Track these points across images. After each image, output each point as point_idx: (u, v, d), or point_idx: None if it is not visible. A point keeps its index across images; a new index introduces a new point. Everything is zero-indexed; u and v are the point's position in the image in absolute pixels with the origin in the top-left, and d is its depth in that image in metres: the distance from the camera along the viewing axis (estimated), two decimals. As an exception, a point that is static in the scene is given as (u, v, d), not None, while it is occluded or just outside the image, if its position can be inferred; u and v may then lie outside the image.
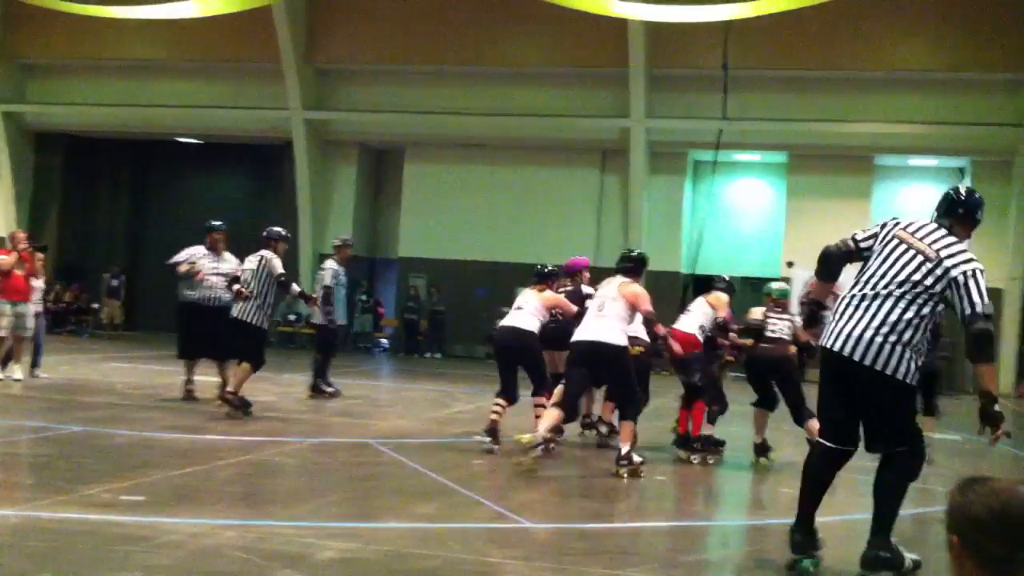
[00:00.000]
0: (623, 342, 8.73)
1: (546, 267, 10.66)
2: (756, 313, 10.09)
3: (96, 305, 25.32)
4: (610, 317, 8.72)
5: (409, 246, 24.64)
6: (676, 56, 22.30)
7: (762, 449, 9.93)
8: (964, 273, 5.46)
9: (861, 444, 5.91)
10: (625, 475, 8.53)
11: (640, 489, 8.65)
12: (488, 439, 9.64)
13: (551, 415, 8.92)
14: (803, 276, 22.83)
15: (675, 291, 23.63)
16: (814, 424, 7.56)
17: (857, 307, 5.60)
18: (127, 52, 24.63)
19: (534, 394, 10.05)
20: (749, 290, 20.43)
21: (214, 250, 12.50)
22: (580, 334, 8.85)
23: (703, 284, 11.81)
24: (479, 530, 6.56)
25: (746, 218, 24.55)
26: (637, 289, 8.90)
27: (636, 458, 8.68)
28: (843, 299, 5.73)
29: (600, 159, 24.10)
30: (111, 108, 25.25)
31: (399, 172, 25.19)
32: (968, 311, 5.38)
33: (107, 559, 5.36)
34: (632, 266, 9.22)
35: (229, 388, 11.13)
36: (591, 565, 5.83)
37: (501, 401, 9.83)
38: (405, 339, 23.86)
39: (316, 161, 24.51)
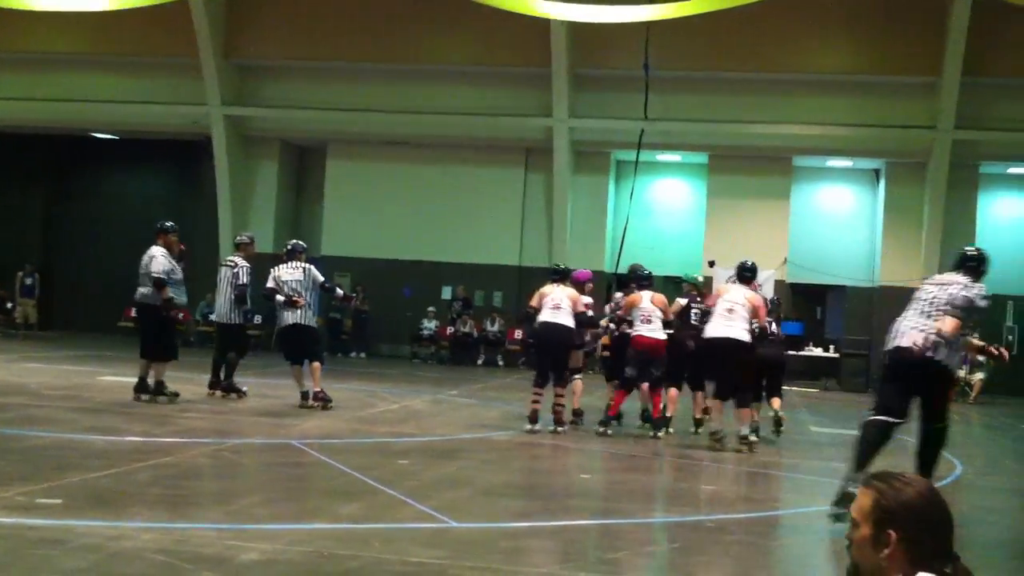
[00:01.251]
0: (749, 339, 10.61)
1: (559, 265, 12.58)
2: (679, 304, 12.05)
3: (10, 304, 24.68)
4: (739, 318, 10.56)
5: (333, 244, 24.46)
6: (599, 56, 22.46)
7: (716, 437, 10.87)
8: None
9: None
10: (746, 450, 10.58)
11: (566, 487, 8.70)
12: (531, 425, 11.33)
13: (717, 406, 10.77)
14: (723, 275, 23.19)
15: (599, 289, 23.83)
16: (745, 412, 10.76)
17: None
18: (40, 45, 24.04)
19: (540, 385, 11.49)
20: (672, 288, 20.65)
21: (170, 250, 12.30)
22: (713, 331, 10.64)
23: (625, 280, 13.08)
24: (404, 530, 6.53)
25: (668, 217, 24.83)
26: (759, 300, 10.91)
27: (753, 437, 10.89)
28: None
29: (524, 158, 24.18)
30: (23, 102, 24.62)
31: (322, 169, 25.00)
32: None
33: (22, 562, 5.24)
34: (751, 276, 11.18)
35: (316, 388, 12.27)
36: (517, 564, 5.84)
37: (539, 390, 11.44)
38: (329, 338, 23.65)
39: (237, 157, 24.21)
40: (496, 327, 23.27)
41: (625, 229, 21.41)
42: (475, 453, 10.12)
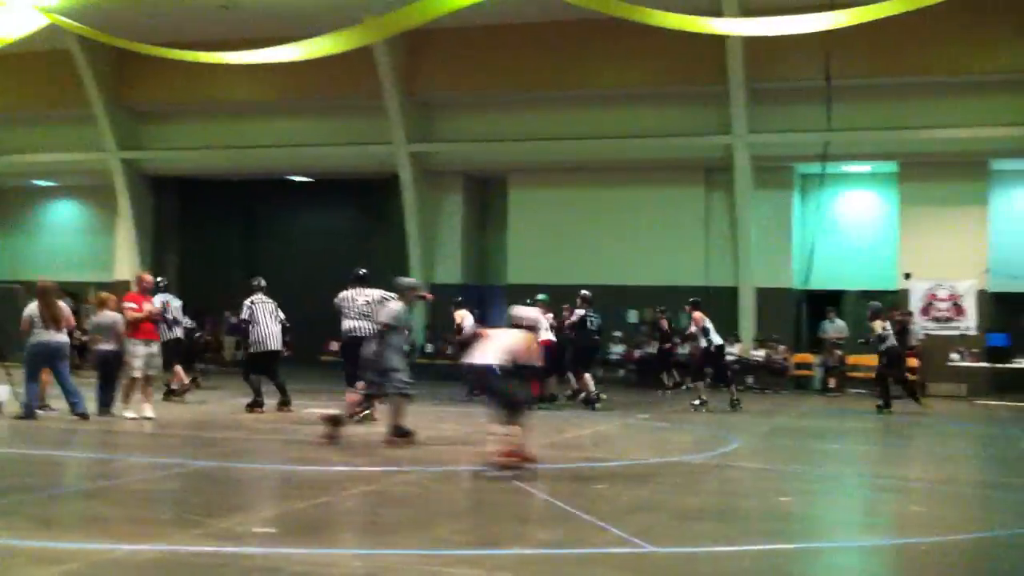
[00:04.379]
0: None
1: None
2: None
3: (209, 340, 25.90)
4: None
5: (518, 273, 24.74)
6: (776, 69, 22.06)
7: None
8: None
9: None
10: None
11: (765, 511, 8.55)
12: None
13: None
14: (921, 288, 22.34)
15: (787, 308, 23.34)
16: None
17: None
18: (235, 95, 25.36)
19: None
20: (862, 306, 20.03)
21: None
22: None
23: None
24: (602, 555, 6.56)
25: (858, 230, 24.08)
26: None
27: None
28: None
29: (704, 177, 23.94)
30: (222, 150, 26.04)
31: (504, 199, 25.39)
32: None
33: (244, 591, 5.52)
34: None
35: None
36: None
37: None
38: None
39: (422, 193, 24.87)
40: (687, 349, 22.97)
41: (813, 244, 20.90)
42: (669, 477, 10.06)
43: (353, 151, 25.12)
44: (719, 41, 21.00)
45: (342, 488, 8.71)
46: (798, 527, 8.01)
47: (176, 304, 16.92)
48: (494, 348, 9.60)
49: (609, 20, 20.38)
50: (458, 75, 24.23)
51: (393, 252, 25.32)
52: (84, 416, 13.13)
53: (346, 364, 13.96)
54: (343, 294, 14.32)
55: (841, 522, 8.55)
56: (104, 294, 14.67)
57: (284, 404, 15.02)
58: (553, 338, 16.48)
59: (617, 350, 23.54)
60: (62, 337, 13.39)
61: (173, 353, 16.28)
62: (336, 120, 25.42)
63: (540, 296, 17.24)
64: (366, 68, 23.26)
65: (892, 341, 17.44)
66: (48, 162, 27.27)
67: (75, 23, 19.72)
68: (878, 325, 17.32)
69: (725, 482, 10.06)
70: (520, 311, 9.99)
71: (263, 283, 15.39)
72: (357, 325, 13.83)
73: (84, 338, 19.68)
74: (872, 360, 18.58)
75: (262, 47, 18.77)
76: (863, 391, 20.93)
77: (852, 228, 24.11)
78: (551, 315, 17.26)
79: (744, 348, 22.57)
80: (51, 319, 13.20)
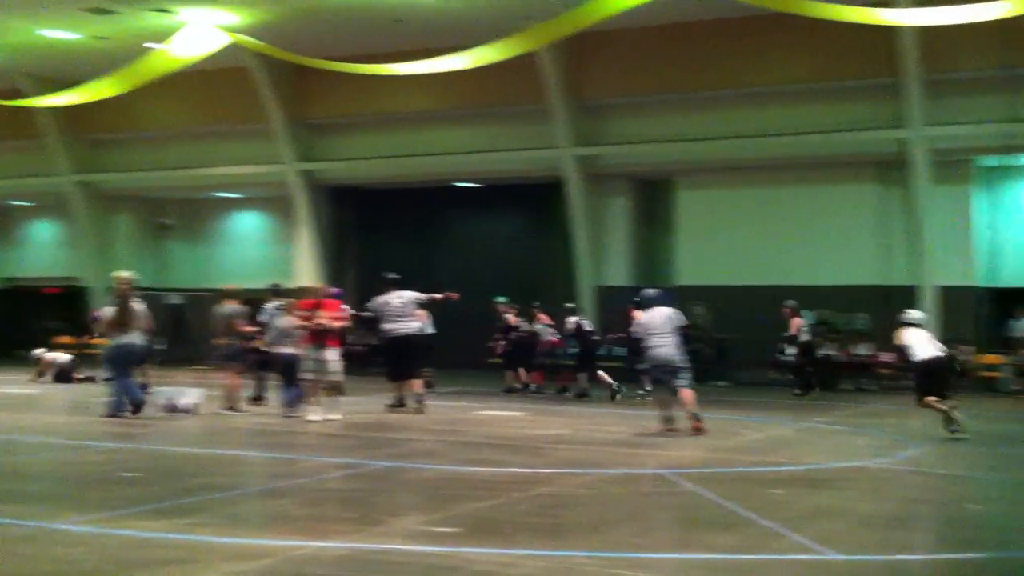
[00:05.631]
0: None
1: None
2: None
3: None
4: None
5: (687, 274, 24.51)
6: (951, 59, 21.13)
7: None
8: None
9: None
10: None
11: (955, 518, 8.25)
12: None
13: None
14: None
15: (970, 306, 22.37)
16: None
17: None
18: (407, 106, 25.97)
19: None
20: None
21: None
22: None
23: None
24: (782, 562, 6.47)
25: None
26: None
27: None
28: None
29: (876, 172, 23.18)
30: (394, 159, 26.67)
31: (671, 200, 25.18)
32: None
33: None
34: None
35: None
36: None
37: None
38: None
39: (588, 196, 24.91)
40: (863, 350, 22.31)
41: (998, 240, 19.97)
42: (849, 482, 9.82)
43: (519, 156, 25.37)
44: (889, 32, 20.31)
45: (519, 489, 8.84)
46: (992, 536, 7.67)
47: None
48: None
49: (774, 15, 19.98)
50: (622, 77, 24.16)
51: (560, 256, 25.47)
52: (113, 416, 13.90)
53: (388, 362, 15.75)
54: (380, 299, 15.58)
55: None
56: (288, 301, 15.28)
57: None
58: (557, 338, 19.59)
59: (790, 352, 22.98)
60: (137, 340, 14.16)
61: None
62: (503, 126, 25.73)
63: (499, 297, 20.21)
64: (531, 74, 23.46)
65: None
66: (231, 175, 28.51)
67: (255, 41, 20.61)
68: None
69: (909, 488, 9.74)
70: None
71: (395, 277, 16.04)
72: (395, 326, 15.30)
73: (266, 342, 20.50)
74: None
75: (432, 58, 19.22)
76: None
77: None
78: (510, 315, 20.31)
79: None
80: (123, 324, 14.02)
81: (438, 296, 16.30)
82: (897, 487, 9.74)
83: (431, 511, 7.76)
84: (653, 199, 26.27)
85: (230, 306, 15.55)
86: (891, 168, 22.74)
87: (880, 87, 21.98)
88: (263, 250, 30.22)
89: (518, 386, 19.68)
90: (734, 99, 23.57)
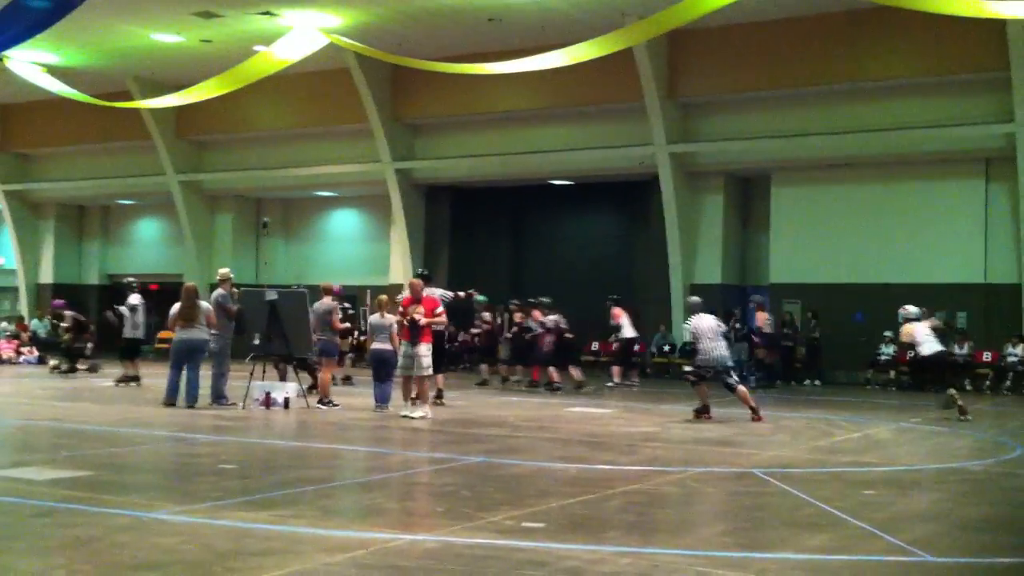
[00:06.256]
0: None
1: None
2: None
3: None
4: None
5: (781, 272, 24.21)
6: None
7: None
8: None
9: None
10: None
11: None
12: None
13: None
14: None
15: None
16: None
17: None
18: (501, 105, 26.10)
19: None
20: None
21: None
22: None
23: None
24: (876, 563, 6.37)
25: None
26: None
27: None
28: None
29: (984, 168, 22.55)
30: (489, 158, 26.84)
31: (766, 198, 24.87)
32: None
33: (516, 582, 5.73)
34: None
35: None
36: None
37: None
38: (781, 367, 23.44)
39: (682, 193, 24.73)
40: (965, 350, 21.76)
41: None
42: (947, 484, 9.61)
43: (613, 153, 25.31)
44: (998, 25, 19.76)
45: (609, 486, 8.86)
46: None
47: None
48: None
49: (876, 9, 19.62)
50: (719, 74, 23.93)
51: (653, 253, 25.34)
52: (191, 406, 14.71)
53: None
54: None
55: None
56: (383, 297, 15.49)
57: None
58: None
59: (888, 351, 22.56)
60: (199, 334, 14.85)
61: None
62: (597, 123, 25.70)
63: (479, 297, 21.05)
64: (626, 71, 23.37)
65: None
66: (329, 174, 29.00)
67: (353, 42, 20.94)
68: None
69: (1012, 491, 9.50)
70: None
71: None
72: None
73: (362, 338, 20.88)
74: None
75: (526, 56, 19.28)
76: None
77: None
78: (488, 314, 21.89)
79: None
80: (187, 318, 14.79)
81: (461, 294, 17.92)
82: (998, 490, 9.50)
83: (520, 506, 7.82)
84: (748, 196, 26.00)
85: (327, 302, 15.88)
86: (1000, 163, 22.12)
87: (987, 81, 21.44)
88: (359, 248, 30.70)
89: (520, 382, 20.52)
90: (832, 95, 23.19)
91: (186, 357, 14.93)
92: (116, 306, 19.73)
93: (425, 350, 14.18)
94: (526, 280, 27.86)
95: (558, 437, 12.44)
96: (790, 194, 24.34)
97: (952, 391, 14.91)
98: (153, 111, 28.16)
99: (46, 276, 34.00)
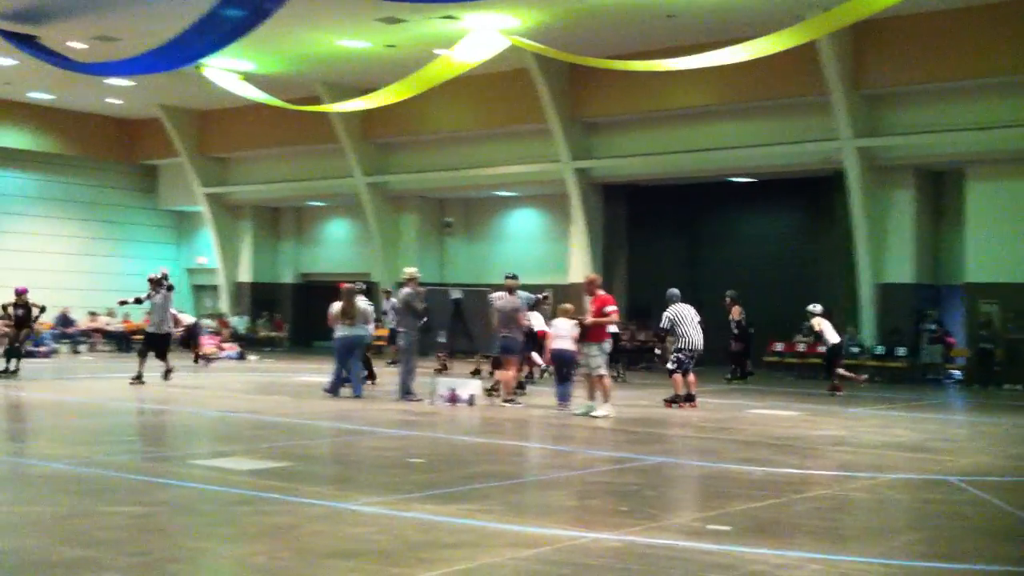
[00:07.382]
0: None
1: None
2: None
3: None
4: None
5: (978, 271, 23.10)
6: None
7: None
8: None
9: None
10: None
11: None
12: None
13: None
14: None
15: None
16: None
17: None
18: (678, 102, 25.82)
19: None
20: None
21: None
22: None
23: None
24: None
25: None
26: None
27: None
28: None
29: None
30: (667, 156, 26.61)
31: (961, 192, 23.80)
32: None
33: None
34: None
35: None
36: None
37: None
38: (979, 370, 22.39)
39: (869, 189, 23.93)
40: None
41: None
42: None
43: (796, 149, 24.70)
44: None
45: (795, 491, 8.69)
46: None
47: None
48: None
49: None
50: (908, 65, 23.02)
51: (838, 251, 24.60)
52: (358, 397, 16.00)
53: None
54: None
55: None
56: (566, 305, 15.45)
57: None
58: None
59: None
60: (359, 331, 16.17)
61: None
62: (777, 119, 25.12)
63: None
64: (808, 64, 22.77)
65: None
66: (509, 174, 29.36)
67: (533, 43, 21.14)
68: None
69: None
70: None
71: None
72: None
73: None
74: None
75: (703, 52, 19.06)
76: None
77: None
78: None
79: None
80: (348, 316, 16.02)
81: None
82: None
83: (704, 508, 7.77)
84: (940, 191, 24.94)
85: (510, 299, 16.05)
86: None
87: None
88: (538, 247, 30.98)
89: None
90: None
91: (349, 352, 16.10)
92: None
93: (596, 350, 14.23)
94: (703, 279, 27.54)
95: (742, 439, 12.26)
96: (986, 188, 23.20)
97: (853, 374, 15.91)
98: (340, 115, 29.14)
99: (244, 275, 35.65)
